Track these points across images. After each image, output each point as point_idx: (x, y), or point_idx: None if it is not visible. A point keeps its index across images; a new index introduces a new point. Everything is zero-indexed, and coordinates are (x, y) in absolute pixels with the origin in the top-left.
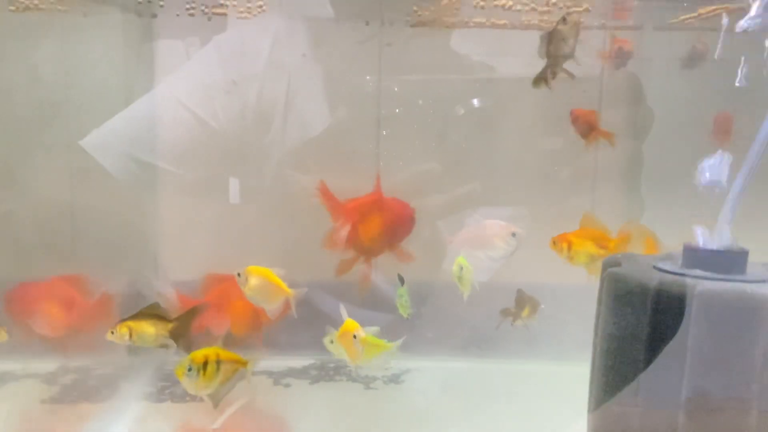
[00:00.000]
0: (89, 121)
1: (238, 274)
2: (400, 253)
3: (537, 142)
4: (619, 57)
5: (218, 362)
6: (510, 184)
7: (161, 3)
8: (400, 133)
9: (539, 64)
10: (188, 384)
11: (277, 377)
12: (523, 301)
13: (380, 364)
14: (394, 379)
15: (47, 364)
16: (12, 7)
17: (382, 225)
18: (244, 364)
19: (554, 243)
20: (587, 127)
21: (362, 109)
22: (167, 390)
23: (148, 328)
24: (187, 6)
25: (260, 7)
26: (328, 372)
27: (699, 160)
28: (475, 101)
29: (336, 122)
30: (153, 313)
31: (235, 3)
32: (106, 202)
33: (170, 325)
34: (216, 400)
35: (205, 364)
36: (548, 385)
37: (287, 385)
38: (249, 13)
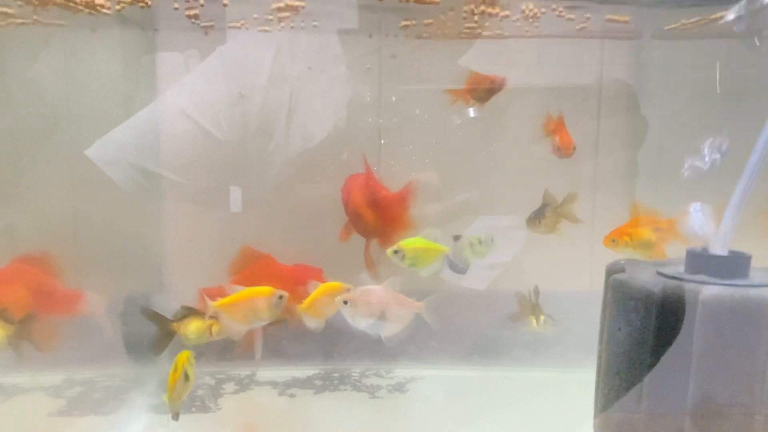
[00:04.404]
0: (92, 133)
1: None
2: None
3: (535, 151)
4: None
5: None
6: (508, 193)
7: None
8: (399, 142)
9: (537, 73)
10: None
11: (282, 388)
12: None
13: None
14: (399, 388)
15: (53, 377)
16: (18, 20)
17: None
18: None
19: (613, 241)
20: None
21: (362, 118)
22: None
23: None
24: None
25: (284, 19)
26: (333, 382)
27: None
28: (471, 111)
29: (336, 132)
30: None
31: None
32: (110, 213)
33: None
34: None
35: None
36: (552, 392)
37: (292, 396)
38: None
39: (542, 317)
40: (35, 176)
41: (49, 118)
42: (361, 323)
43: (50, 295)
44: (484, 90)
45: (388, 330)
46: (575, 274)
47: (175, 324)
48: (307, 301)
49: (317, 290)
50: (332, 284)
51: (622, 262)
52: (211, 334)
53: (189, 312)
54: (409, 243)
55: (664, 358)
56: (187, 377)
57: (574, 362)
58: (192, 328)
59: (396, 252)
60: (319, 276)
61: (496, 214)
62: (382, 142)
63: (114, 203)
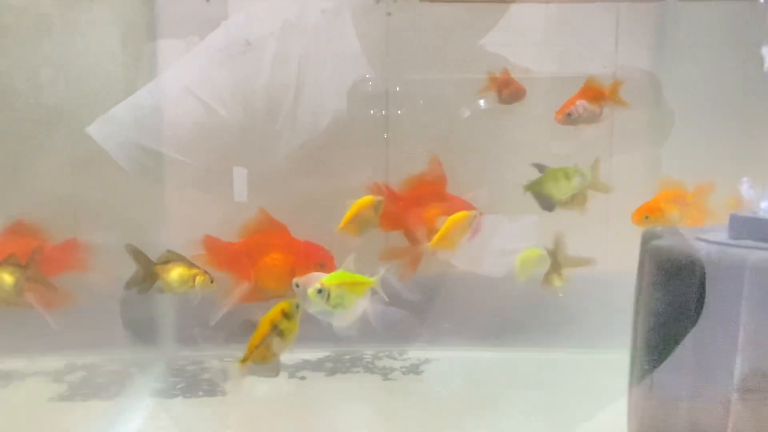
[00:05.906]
0: (90, 109)
1: None
2: None
3: (548, 145)
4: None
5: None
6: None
7: None
8: (405, 134)
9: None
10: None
11: (293, 370)
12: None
13: None
14: (413, 369)
15: (55, 362)
16: None
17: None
18: None
19: (646, 218)
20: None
21: (367, 108)
22: (178, 386)
23: None
24: None
25: None
26: (344, 364)
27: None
28: (482, 102)
29: (342, 121)
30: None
31: None
32: (110, 194)
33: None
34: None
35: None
36: (570, 373)
37: (303, 378)
38: None
39: (564, 272)
40: (31, 157)
41: (46, 96)
42: (311, 308)
43: (46, 257)
44: (510, 93)
45: (341, 318)
46: (590, 255)
47: (158, 267)
48: (437, 236)
49: (446, 224)
50: (459, 214)
51: (659, 229)
52: (194, 283)
53: (174, 257)
54: (333, 279)
55: (708, 329)
56: (281, 333)
57: (592, 343)
58: (174, 274)
59: (320, 291)
60: (329, 261)
61: (507, 210)
62: (385, 136)
63: (115, 183)
